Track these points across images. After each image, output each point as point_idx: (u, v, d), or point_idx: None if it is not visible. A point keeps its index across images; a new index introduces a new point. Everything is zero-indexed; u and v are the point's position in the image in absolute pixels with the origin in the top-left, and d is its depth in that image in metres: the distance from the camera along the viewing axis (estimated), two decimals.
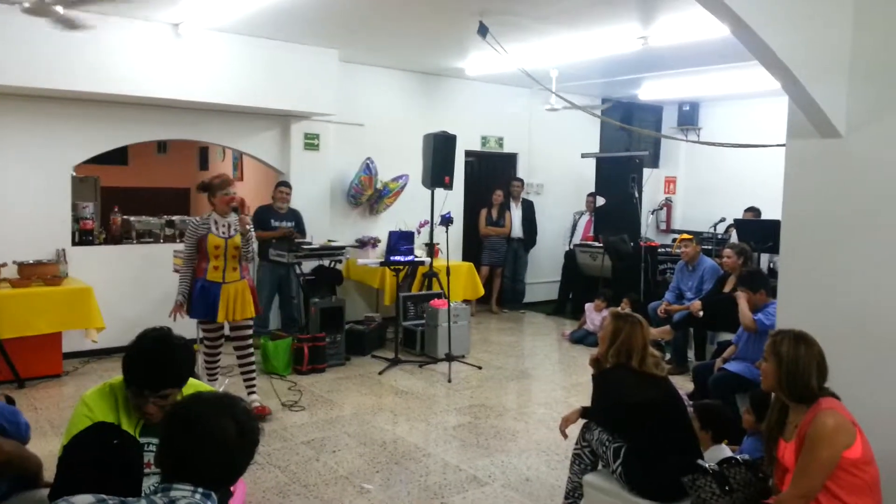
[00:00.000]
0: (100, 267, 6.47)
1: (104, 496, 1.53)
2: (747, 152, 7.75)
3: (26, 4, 4.55)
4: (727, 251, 6.05)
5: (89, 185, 7.24)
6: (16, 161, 6.12)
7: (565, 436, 3.48)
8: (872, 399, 2.93)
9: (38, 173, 6.25)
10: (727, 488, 2.77)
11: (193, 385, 2.54)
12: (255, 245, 5.07)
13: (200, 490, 1.54)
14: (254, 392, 5.14)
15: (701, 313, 5.99)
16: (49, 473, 2.49)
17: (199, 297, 4.86)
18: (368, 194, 7.92)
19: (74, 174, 6.70)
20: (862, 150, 3.12)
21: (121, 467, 2.21)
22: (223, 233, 4.90)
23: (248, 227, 4.87)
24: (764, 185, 7.61)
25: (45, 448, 3.94)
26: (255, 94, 6.76)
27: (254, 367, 5.15)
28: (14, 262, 5.87)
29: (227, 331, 5.15)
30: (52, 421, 4.85)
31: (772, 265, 6.91)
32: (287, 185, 7.14)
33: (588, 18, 5.77)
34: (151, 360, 2.36)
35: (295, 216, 7.11)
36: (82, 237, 6.56)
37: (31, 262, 5.93)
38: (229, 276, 4.90)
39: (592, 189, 9.41)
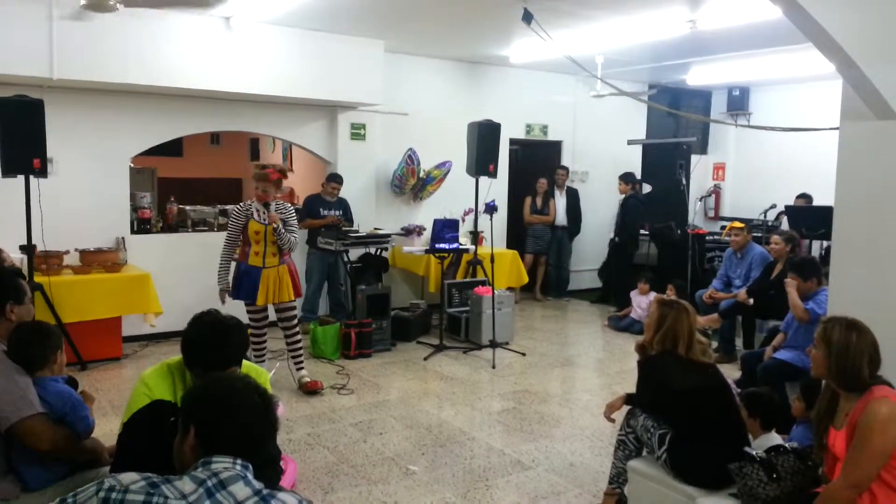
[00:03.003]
0: (157, 254, 6.71)
1: (150, 474, 1.57)
2: (799, 138, 7.57)
3: (85, 0, 4.75)
4: (775, 237, 5.94)
5: (146, 176, 7.50)
6: (77, 153, 6.37)
7: (612, 420, 3.49)
8: None
9: (98, 164, 6.50)
10: (775, 476, 2.74)
11: (246, 367, 2.62)
12: (293, 237, 5.20)
13: (239, 461, 1.59)
14: (302, 368, 5.43)
15: (751, 301, 5.89)
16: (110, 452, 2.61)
17: (242, 281, 5.15)
18: (412, 183, 7.98)
19: (132, 165, 6.95)
20: None
21: None
22: (263, 219, 5.09)
23: (274, 224, 5.04)
24: (816, 172, 7.42)
25: (106, 427, 4.14)
26: (303, 86, 6.88)
27: (300, 345, 5.41)
28: (76, 250, 6.13)
29: (272, 315, 5.38)
30: (112, 401, 5.06)
31: (823, 252, 6.74)
32: (337, 180, 7.21)
33: (634, 2, 5.69)
34: (211, 342, 2.43)
35: (343, 205, 7.24)
36: (140, 226, 6.81)
37: (92, 249, 6.18)
38: (269, 262, 5.13)
39: (638, 176, 9.28)
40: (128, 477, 1.56)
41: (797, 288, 4.68)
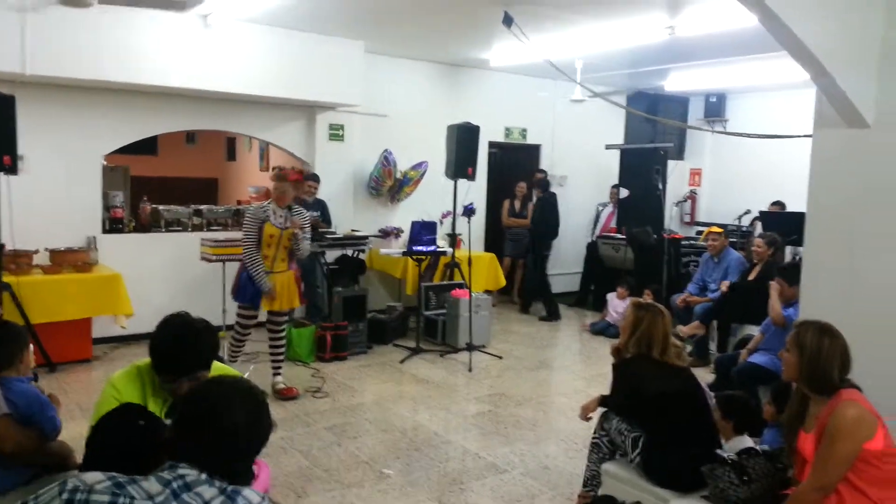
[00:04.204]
0: (129, 254, 6.59)
1: (115, 474, 1.54)
2: (774, 144, 7.67)
3: None
4: (758, 240, 6.06)
5: (119, 175, 7.38)
6: (48, 150, 6.24)
7: (588, 419, 3.52)
8: None
9: (70, 162, 6.38)
10: (745, 478, 2.77)
11: (218, 368, 2.58)
12: (307, 243, 5.19)
13: (205, 474, 1.56)
14: (279, 374, 5.36)
15: (726, 289, 6.00)
16: (78, 455, 2.55)
17: (247, 284, 5.05)
18: (388, 185, 7.96)
19: (105, 163, 6.83)
20: (890, 141, 3.08)
21: (146, 447, 2.26)
22: (279, 223, 5.03)
23: (296, 230, 5.00)
24: (790, 178, 7.52)
25: (75, 430, 4.03)
26: (281, 85, 6.82)
27: (283, 350, 5.41)
28: (46, 249, 6.01)
29: (261, 317, 5.32)
30: (80, 404, 4.97)
31: (797, 257, 6.84)
32: (315, 178, 7.18)
33: (614, 8, 5.72)
34: (178, 347, 2.39)
35: (320, 206, 7.19)
36: (112, 225, 6.69)
37: (63, 249, 6.06)
38: (277, 267, 5.09)
39: (616, 181, 9.35)
40: (91, 476, 1.53)
41: (781, 293, 4.72)
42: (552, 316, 8.33)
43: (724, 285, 6.14)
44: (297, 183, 5.18)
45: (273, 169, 5.25)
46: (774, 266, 5.89)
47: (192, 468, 1.55)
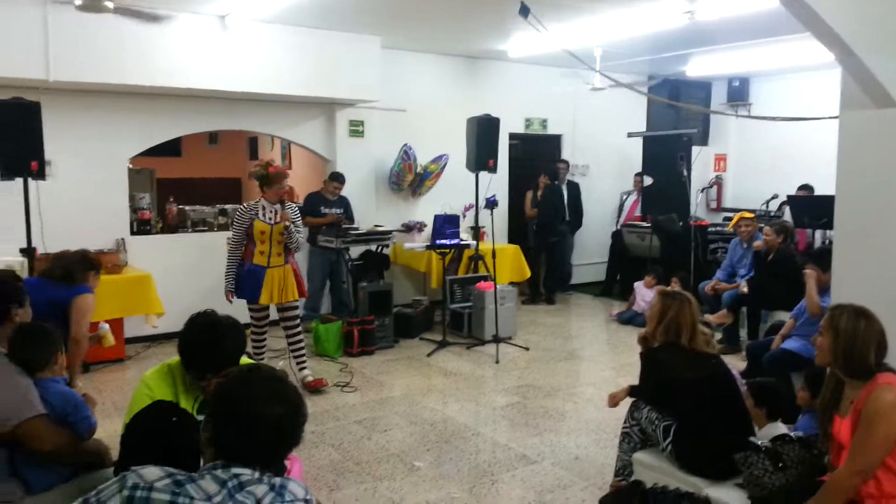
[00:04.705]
0: (157, 255, 6.69)
1: (171, 469, 1.55)
2: (800, 127, 7.53)
3: (79, 2, 4.71)
4: (767, 229, 5.97)
5: (145, 177, 7.48)
6: (75, 154, 6.35)
7: (615, 405, 3.52)
8: None
9: (97, 166, 6.48)
10: (780, 465, 2.73)
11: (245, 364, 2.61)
12: (300, 237, 5.23)
13: (257, 473, 1.59)
14: (304, 368, 5.41)
15: (763, 248, 6.05)
16: (114, 453, 2.60)
17: (246, 280, 5.14)
18: (409, 179, 7.97)
19: (131, 166, 6.93)
20: None
21: (179, 443, 2.29)
22: (270, 219, 5.09)
23: (286, 223, 5.04)
24: (817, 161, 7.42)
25: (110, 428, 4.12)
26: (300, 83, 6.86)
27: (302, 345, 5.40)
28: None
29: (274, 315, 5.36)
30: (115, 403, 5.06)
31: (826, 242, 6.73)
32: (339, 179, 7.20)
33: None
34: (206, 345, 2.43)
35: (343, 202, 7.23)
36: (140, 227, 6.80)
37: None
38: (274, 262, 5.13)
39: (639, 169, 9.26)
40: (151, 473, 1.53)
41: (817, 279, 4.63)
42: (540, 295, 8.63)
43: (758, 245, 6.17)
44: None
45: (255, 167, 5.28)
46: (788, 253, 5.82)
47: (245, 468, 1.57)
